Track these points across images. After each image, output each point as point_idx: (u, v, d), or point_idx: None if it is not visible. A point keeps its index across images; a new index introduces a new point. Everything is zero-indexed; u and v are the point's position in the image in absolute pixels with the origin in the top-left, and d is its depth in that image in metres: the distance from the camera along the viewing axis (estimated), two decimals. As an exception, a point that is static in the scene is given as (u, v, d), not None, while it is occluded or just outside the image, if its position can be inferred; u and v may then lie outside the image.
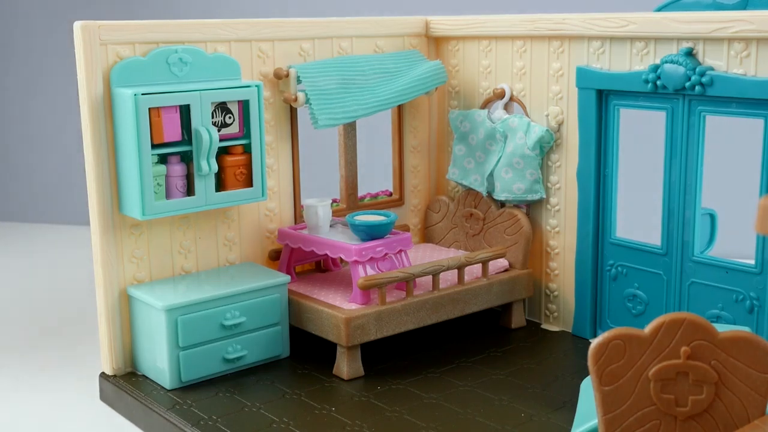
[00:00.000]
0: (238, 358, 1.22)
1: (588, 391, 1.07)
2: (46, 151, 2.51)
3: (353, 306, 1.22)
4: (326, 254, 1.28)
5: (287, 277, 1.26)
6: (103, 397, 1.24)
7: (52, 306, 1.72)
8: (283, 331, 1.27)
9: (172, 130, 1.17)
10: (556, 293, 1.39)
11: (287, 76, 1.31)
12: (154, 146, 1.16)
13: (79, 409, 1.24)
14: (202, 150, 1.18)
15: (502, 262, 1.38)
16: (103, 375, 1.24)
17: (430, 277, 1.28)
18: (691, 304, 1.21)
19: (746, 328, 1.03)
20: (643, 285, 1.27)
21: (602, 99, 1.28)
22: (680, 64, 1.16)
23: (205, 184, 1.20)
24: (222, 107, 1.22)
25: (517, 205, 1.41)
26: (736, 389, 0.79)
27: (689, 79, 1.15)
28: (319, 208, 1.30)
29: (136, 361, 1.24)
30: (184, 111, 1.18)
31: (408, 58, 1.45)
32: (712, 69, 1.14)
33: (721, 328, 0.80)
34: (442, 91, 1.51)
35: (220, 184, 1.23)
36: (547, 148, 1.35)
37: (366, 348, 1.24)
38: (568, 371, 1.21)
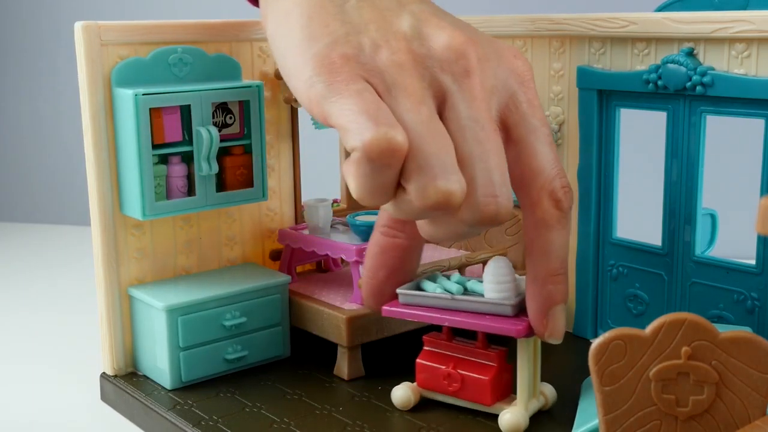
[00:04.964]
0: (239, 359, 1.22)
1: (589, 391, 1.07)
2: (47, 152, 2.52)
3: (354, 306, 1.22)
4: (327, 254, 1.28)
5: (288, 278, 1.26)
6: (104, 397, 1.24)
7: (53, 306, 1.72)
8: (284, 332, 1.27)
9: (172, 131, 1.17)
10: (556, 293, 1.39)
11: (288, 76, 1.31)
12: (154, 146, 1.16)
13: (79, 409, 1.24)
14: (202, 150, 1.18)
15: (503, 263, 1.38)
16: (103, 375, 1.24)
17: (431, 277, 1.28)
18: (692, 304, 1.21)
19: (747, 329, 1.03)
20: (644, 285, 1.27)
21: (603, 99, 1.28)
22: (681, 65, 1.16)
23: (205, 184, 1.20)
24: (223, 107, 1.22)
25: (518, 205, 1.40)
26: (737, 389, 0.79)
27: (690, 80, 1.15)
28: (320, 208, 1.30)
29: (137, 362, 1.24)
30: (185, 111, 1.18)
31: (408, 59, 1.44)
32: (713, 69, 1.14)
33: (722, 329, 0.80)
34: (443, 91, 1.51)
35: (221, 185, 1.23)
36: (547, 148, 1.35)
37: (367, 348, 1.24)
38: (568, 371, 1.21)
